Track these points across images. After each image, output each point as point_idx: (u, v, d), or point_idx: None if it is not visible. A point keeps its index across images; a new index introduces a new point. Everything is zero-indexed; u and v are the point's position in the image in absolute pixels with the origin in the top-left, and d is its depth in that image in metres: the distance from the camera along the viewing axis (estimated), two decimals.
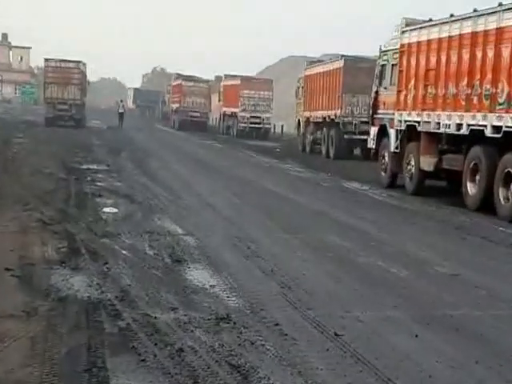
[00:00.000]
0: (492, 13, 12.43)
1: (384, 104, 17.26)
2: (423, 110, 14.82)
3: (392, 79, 16.80)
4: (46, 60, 39.21)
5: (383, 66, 17.48)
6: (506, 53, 12.00)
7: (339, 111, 25.60)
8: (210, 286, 6.49)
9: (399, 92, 16.04)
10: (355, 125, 25.25)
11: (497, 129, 12.17)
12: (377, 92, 17.69)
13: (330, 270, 7.55)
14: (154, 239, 8.44)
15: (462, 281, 7.39)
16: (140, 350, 4.69)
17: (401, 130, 15.98)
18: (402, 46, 16.00)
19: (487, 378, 4.68)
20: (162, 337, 4.97)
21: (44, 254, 7.40)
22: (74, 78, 37.97)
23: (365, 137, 20.41)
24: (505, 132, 11.96)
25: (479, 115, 12.66)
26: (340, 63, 25.91)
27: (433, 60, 14.54)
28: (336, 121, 25.87)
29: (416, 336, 5.36)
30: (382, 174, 17.25)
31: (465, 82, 13.19)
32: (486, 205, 12.56)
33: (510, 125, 11.81)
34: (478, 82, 12.76)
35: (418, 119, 14.98)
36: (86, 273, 6.66)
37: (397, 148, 16.12)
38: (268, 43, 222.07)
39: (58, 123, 36.81)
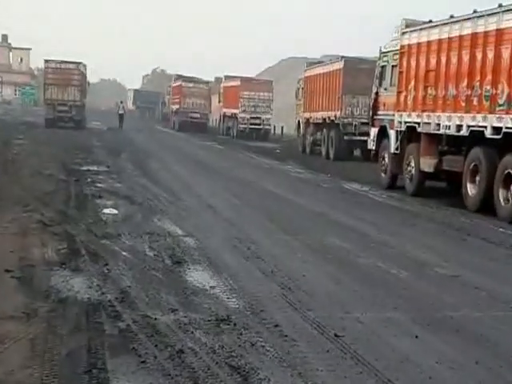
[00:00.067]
0: (492, 14, 12.43)
1: (384, 105, 17.26)
2: (423, 111, 14.82)
3: (392, 80, 16.81)
4: (46, 61, 39.22)
5: (383, 67, 17.48)
6: (505, 54, 12.00)
7: (339, 112, 25.60)
8: (210, 287, 6.49)
9: (399, 93, 16.05)
10: (355, 126, 25.25)
11: (497, 130, 12.18)
12: (377, 93, 17.69)
13: (330, 271, 7.56)
14: (154, 240, 8.45)
15: (462, 282, 7.39)
16: (140, 352, 4.69)
17: (401, 131, 15.99)
18: (402, 47, 16.01)
19: (487, 379, 4.68)
20: (162, 338, 4.97)
21: (44, 256, 7.40)
22: (74, 79, 37.97)
23: (365, 138, 20.39)
24: (505, 133, 11.96)
25: (479, 116, 12.67)
26: (340, 64, 25.92)
27: (433, 61, 14.54)
28: (336, 122, 25.87)
29: (416, 337, 5.36)
30: (382, 175, 17.25)
31: (465, 83, 13.19)
32: (486, 206, 12.56)
33: (510, 126, 11.81)
34: (478, 83, 12.76)
35: (418, 120, 14.98)
36: (86, 274, 6.66)
37: (397, 149, 16.13)
38: (268, 44, 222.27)
39: (58, 124, 36.83)
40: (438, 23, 14.53)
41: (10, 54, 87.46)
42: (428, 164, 14.73)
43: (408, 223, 11.65)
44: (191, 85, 47.05)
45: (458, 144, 13.95)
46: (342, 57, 26.24)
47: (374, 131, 17.83)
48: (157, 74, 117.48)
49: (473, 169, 13.06)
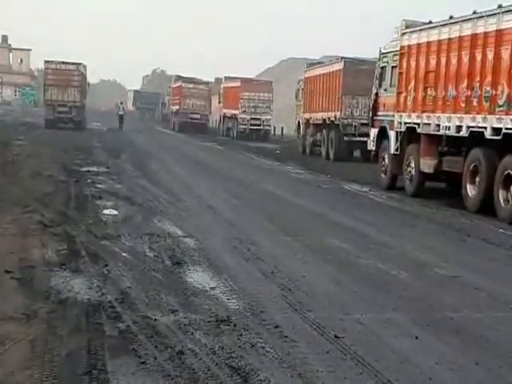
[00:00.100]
0: (491, 15, 12.43)
1: (384, 106, 17.27)
2: (423, 111, 14.83)
3: (392, 81, 16.81)
4: (46, 62, 39.26)
5: (383, 67, 17.49)
6: (505, 55, 12.00)
7: (339, 113, 25.61)
8: (210, 288, 6.49)
9: (399, 94, 16.05)
10: (355, 127, 25.27)
11: (496, 131, 12.18)
12: (377, 94, 17.70)
13: (330, 272, 7.56)
14: (154, 241, 8.45)
15: (462, 283, 7.39)
16: (140, 353, 4.69)
17: (401, 132, 15.99)
18: (402, 48, 16.01)
19: (487, 379, 4.68)
20: (162, 339, 4.97)
21: (44, 257, 7.40)
22: (74, 80, 38.00)
23: (365, 139, 20.40)
24: (505, 134, 11.96)
25: (479, 117, 12.67)
26: (340, 65, 25.93)
27: (432, 62, 14.55)
28: (336, 123, 25.88)
29: (416, 338, 5.36)
30: (382, 175, 17.25)
31: (465, 83, 13.19)
32: (486, 207, 12.56)
33: (509, 127, 11.81)
34: (477, 84, 12.76)
35: (418, 121, 14.99)
36: (86, 275, 6.67)
37: (397, 150, 16.13)
38: (268, 45, 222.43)
39: (58, 125, 36.86)
40: (438, 24, 14.53)
41: (10, 54, 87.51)
42: (428, 165, 14.74)
43: (408, 224, 11.65)
44: (191, 86, 47.07)
45: (457, 145, 13.95)
46: (342, 58, 26.25)
47: (373, 132, 17.83)
48: (157, 74, 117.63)
49: (473, 170, 13.06)
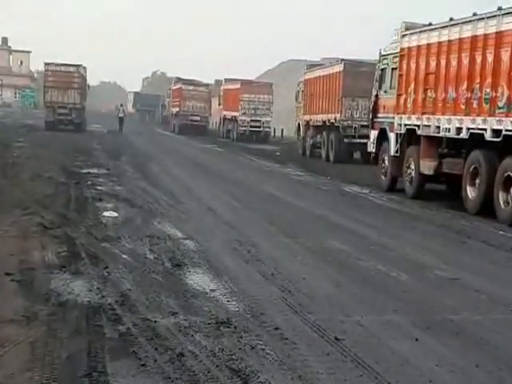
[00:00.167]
0: (491, 17, 12.44)
1: (384, 108, 17.27)
2: (423, 113, 14.83)
3: (392, 83, 16.82)
4: (46, 64, 39.29)
5: (383, 69, 17.50)
6: (505, 56, 12.01)
7: (339, 115, 25.62)
8: (211, 290, 6.49)
9: (399, 96, 16.06)
10: (355, 128, 25.27)
11: (496, 132, 12.18)
12: (377, 96, 17.70)
13: (331, 274, 7.56)
14: (154, 243, 8.45)
15: (462, 285, 7.39)
16: (140, 355, 4.69)
17: (401, 134, 15.99)
18: (402, 49, 16.02)
19: (487, 382, 4.68)
20: (162, 341, 4.97)
21: (44, 259, 7.40)
22: (74, 81, 38.02)
23: (365, 140, 20.41)
24: (504, 136, 11.96)
25: (479, 119, 12.67)
26: (340, 67, 25.94)
27: (432, 64, 14.55)
28: (336, 124, 25.89)
29: (416, 340, 5.36)
30: (382, 177, 17.25)
31: (464, 85, 13.20)
32: (486, 209, 12.56)
33: (509, 128, 11.82)
34: (477, 86, 12.77)
35: (418, 123, 14.99)
36: (86, 277, 6.66)
37: (397, 152, 16.13)
38: (268, 46, 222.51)
39: (58, 127, 36.88)
40: (438, 26, 14.54)
41: (10, 56, 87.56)
42: (428, 167, 14.74)
43: (408, 226, 11.65)
44: (191, 88, 47.09)
45: (457, 147, 13.96)
46: (342, 59, 26.28)
47: (373, 134, 17.84)
48: (157, 76, 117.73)
49: (473, 171, 13.06)
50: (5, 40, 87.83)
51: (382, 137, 17.12)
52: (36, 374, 4.29)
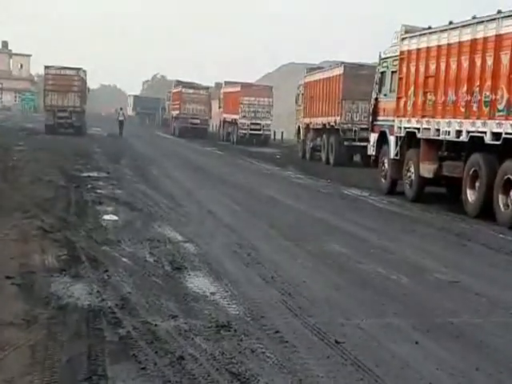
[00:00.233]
0: (491, 20, 12.45)
1: (384, 111, 17.28)
2: (423, 116, 14.84)
3: (392, 86, 16.84)
4: (46, 67, 39.30)
5: (383, 72, 17.52)
6: (505, 60, 12.02)
7: (339, 118, 25.64)
8: (211, 293, 6.49)
9: (399, 99, 16.07)
10: (355, 131, 25.29)
11: (496, 136, 12.19)
12: (376, 99, 17.72)
13: (331, 277, 7.56)
14: (154, 246, 8.45)
15: (462, 288, 7.39)
16: (140, 358, 4.69)
17: (400, 137, 16.00)
18: (402, 53, 16.04)
19: None
20: (162, 345, 4.97)
21: (44, 262, 7.40)
22: (74, 85, 38.05)
23: (364, 143, 20.42)
24: (504, 139, 11.96)
25: (479, 122, 12.68)
26: (340, 70, 25.97)
27: (432, 67, 14.57)
28: (336, 127, 25.90)
29: (416, 343, 5.36)
30: (382, 180, 17.26)
31: (464, 88, 13.21)
32: (486, 211, 12.56)
33: (509, 131, 11.82)
34: (477, 89, 12.78)
35: (418, 126, 15.00)
36: (87, 281, 6.67)
37: (396, 155, 16.14)
38: (268, 47, 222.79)
39: (58, 131, 36.91)
40: (438, 29, 14.56)
41: (11, 60, 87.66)
42: (428, 170, 14.74)
43: (408, 229, 11.65)
44: (191, 91, 47.15)
45: (457, 150, 13.96)
46: (342, 62, 26.30)
47: (373, 137, 17.85)
48: (157, 79, 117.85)
49: (472, 174, 13.07)
50: (5, 44, 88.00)
51: (382, 140, 17.13)
52: (36, 378, 4.29)
